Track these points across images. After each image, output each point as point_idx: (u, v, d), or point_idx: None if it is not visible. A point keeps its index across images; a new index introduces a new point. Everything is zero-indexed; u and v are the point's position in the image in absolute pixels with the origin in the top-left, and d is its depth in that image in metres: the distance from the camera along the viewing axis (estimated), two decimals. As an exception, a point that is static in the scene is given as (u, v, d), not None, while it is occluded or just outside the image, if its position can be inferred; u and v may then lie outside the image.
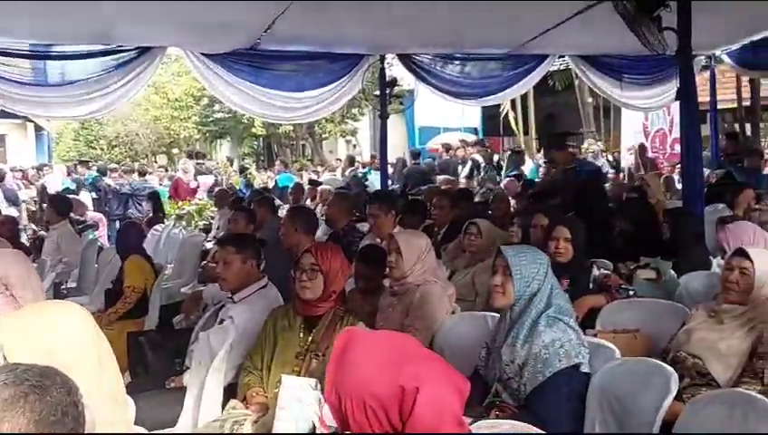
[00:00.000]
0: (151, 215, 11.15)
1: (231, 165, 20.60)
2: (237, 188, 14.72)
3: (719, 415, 2.67)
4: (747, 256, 3.35)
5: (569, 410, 3.01)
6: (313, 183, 13.17)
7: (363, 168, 14.18)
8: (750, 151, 10.35)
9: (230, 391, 3.57)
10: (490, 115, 21.18)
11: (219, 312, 4.05)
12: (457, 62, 10.08)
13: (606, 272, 4.53)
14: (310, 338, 3.48)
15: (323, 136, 25.81)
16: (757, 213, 6.25)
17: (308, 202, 11.35)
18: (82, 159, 19.62)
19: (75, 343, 1.87)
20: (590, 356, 3.15)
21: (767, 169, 11.03)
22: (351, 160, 16.43)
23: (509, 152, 14.13)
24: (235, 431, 3.13)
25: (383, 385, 1.67)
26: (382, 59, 9.88)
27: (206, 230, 10.12)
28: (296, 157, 25.56)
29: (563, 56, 10.62)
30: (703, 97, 9.94)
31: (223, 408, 3.41)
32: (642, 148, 13.74)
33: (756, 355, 3.14)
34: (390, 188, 10.97)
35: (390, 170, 12.78)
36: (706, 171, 9.20)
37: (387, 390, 1.66)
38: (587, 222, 4.71)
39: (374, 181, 12.55)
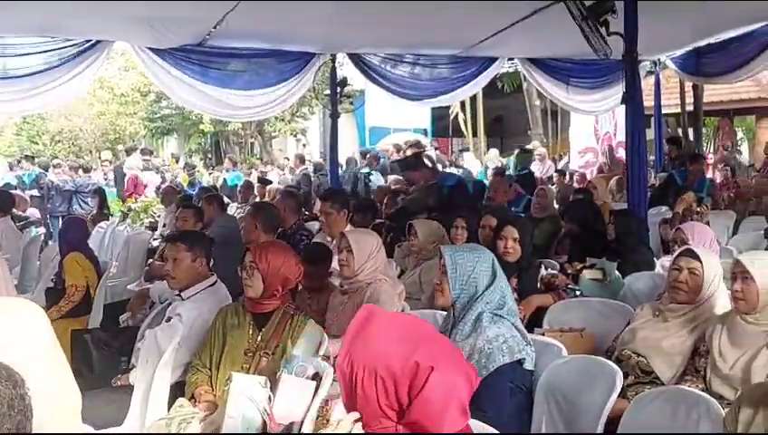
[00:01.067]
0: (96, 211, 10.93)
1: (176, 162, 20.31)
2: (184, 185, 14.50)
3: (662, 412, 2.74)
4: (696, 257, 3.39)
5: (512, 405, 3.05)
6: (263, 181, 13.07)
7: (366, 165, 13.88)
8: (694, 157, 10.60)
9: (178, 390, 3.53)
10: (440, 116, 21.30)
11: (167, 310, 4.01)
12: (407, 63, 10.12)
13: (553, 272, 4.62)
14: (259, 336, 3.47)
15: (273, 134, 25.60)
16: (698, 216, 6.41)
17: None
18: (27, 153, 19.08)
19: (41, 341, 1.85)
20: (538, 354, 3.21)
21: (709, 173, 11.33)
22: (302, 159, 16.35)
23: (517, 151, 14.04)
24: (182, 430, 3.09)
25: (399, 359, 1.68)
26: (333, 58, 9.87)
27: (152, 228, 9.96)
28: (245, 155, 25.31)
29: (512, 59, 10.74)
30: (648, 102, 10.18)
31: (170, 406, 3.36)
32: (611, 149, 13.97)
33: (698, 354, 3.22)
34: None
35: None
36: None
37: (402, 364, 1.67)
38: None
39: (377, 182, 12.39)
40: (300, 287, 4.47)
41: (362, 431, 1.71)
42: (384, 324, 1.76)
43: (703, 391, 2.93)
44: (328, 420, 2.97)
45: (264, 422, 2.76)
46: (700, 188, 8.80)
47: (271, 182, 13.23)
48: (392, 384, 1.67)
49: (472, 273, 3.13)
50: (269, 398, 2.84)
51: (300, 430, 2.80)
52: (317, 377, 3.00)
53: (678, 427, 2.67)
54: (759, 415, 1.98)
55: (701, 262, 3.36)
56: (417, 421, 1.67)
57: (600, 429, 2.85)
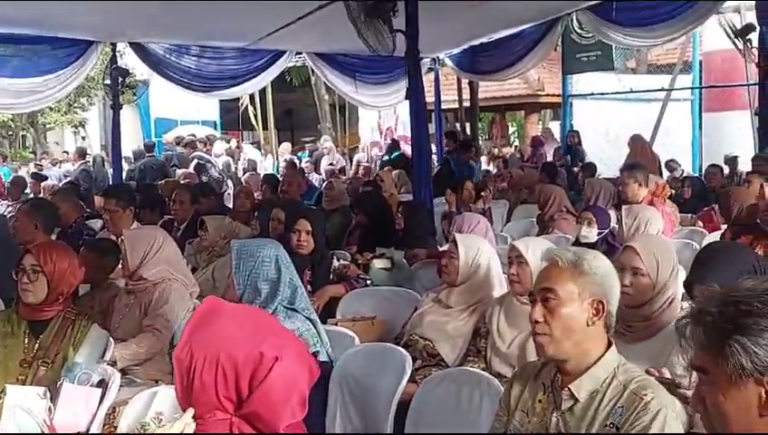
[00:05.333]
0: None
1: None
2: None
3: (449, 393, 2.90)
4: (454, 241, 3.69)
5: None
6: (37, 177, 12.16)
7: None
8: (464, 146, 11.16)
9: (-59, 409, 3.20)
10: (229, 109, 21.01)
11: (-74, 321, 3.62)
12: (194, 54, 9.88)
13: (345, 263, 4.71)
14: (36, 344, 3.25)
15: (48, 126, 23.86)
16: (482, 201, 6.84)
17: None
18: None
19: None
20: (332, 344, 3.26)
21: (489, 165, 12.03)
22: (82, 153, 15.36)
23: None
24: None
25: (243, 348, 1.66)
26: (114, 47, 9.41)
27: None
28: (16, 148, 23.36)
29: (300, 53, 10.81)
30: (429, 97, 10.66)
31: (-68, 428, 3.05)
32: (395, 142, 14.39)
33: (479, 335, 3.43)
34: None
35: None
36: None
37: (245, 354, 1.66)
38: None
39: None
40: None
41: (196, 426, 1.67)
42: (229, 315, 1.74)
43: (484, 370, 3.12)
44: (115, 428, 2.85)
45: (44, 435, 2.59)
46: (471, 174, 9.41)
47: (46, 178, 12.35)
48: (233, 375, 1.65)
49: (254, 268, 3.11)
50: (49, 409, 2.67)
51: (85, 440, 2.66)
52: (103, 384, 2.86)
53: (464, 405, 2.83)
54: (526, 391, 2.17)
55: (456, 246, 3.63)
56: (256, 412, 1.66)
57: (392, 412, 2.95)
